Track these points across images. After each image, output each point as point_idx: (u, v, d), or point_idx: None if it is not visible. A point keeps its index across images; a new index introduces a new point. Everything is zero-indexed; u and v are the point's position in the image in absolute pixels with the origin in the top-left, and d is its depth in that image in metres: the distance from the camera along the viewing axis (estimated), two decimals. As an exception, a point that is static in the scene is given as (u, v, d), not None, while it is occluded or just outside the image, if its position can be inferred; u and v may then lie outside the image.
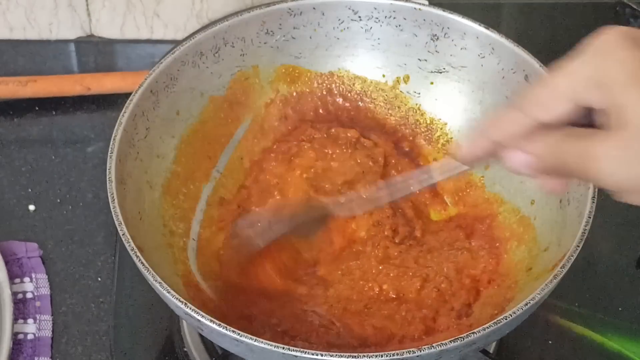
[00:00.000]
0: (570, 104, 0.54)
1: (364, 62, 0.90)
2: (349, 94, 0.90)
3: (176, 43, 0.85)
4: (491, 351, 0.82)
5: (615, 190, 0.53)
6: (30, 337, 0.83)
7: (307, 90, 0.90)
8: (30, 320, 0.84)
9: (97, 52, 1.08)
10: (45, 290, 0.86)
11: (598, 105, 0.53)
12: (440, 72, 0.88)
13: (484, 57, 0.85)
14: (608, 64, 0.52)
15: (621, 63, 0.52)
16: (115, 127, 0.76)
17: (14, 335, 0.82)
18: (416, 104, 0.90)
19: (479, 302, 0.78)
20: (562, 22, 1.12)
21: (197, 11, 1.06)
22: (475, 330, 0.64)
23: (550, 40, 1.11)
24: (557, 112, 0.55)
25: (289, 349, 0.63)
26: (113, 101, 0.99)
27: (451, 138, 0.88)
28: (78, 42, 1.09)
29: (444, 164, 0.74)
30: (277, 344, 0.63)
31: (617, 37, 0.53)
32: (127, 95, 0.79)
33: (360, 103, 0.91)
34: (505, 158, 0.58)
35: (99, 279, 0.88)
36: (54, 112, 1.01)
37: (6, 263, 0.84)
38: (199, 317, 0.65)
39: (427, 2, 0.94)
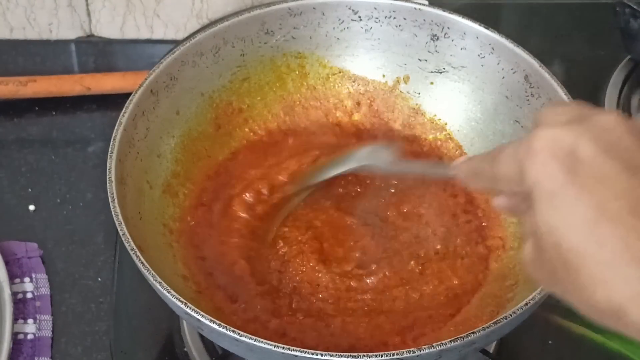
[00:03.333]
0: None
1: (364, 62, 0.90)
2: (349, 94, 0.91)
3: (176, 43, 0.85)
4: (491, 351, 0.82)
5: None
6: (30, 337, 0.83)
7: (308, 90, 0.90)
8: (30, 320, 0.84)
9: (97, 52, 1.08)
10: (45, 290, 0.86)
11: None
12: (440, 72, 0.88)
13: (483, 57, 0.85)
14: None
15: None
16: (115, 127, 0.76)
17: (14, 335, 0.82)
18: (416, 104, 0.90)
19: (479, 301, 0.78)
20: (562, 22, 1.12)
21: (197, 11, 1.06)
22: (475, 330, 0.64)
23: (550, 40, 1.11)
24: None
25: (289, 348, 0.63)
26: (113, 101, 0.99)
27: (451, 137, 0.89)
28: (78, 42, 1.08)
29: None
30: (277, 344, 0.63)
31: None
32: (127, 95, 0.79)
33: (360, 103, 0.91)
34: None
35: (99, 279, 0.88)
36: (54, 112, 1.01)
37: (6, 263, 0.84)
38: (199, 317, 0.65)
39: (427, 2, 0.94)
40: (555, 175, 0.48)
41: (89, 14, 1.06)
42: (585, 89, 1.03)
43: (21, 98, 1.00)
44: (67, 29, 1.08)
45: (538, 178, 0.48)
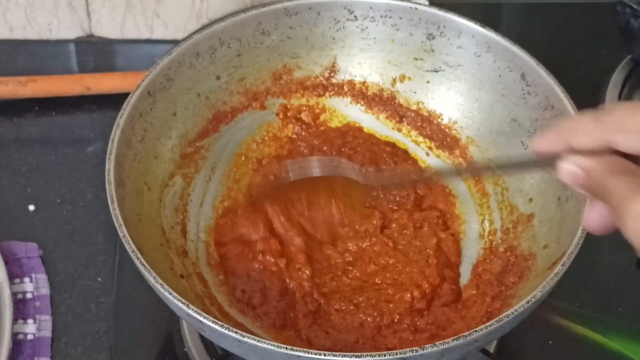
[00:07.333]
0: None
1: (360, 62, 0.90)
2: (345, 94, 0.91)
3: (176, 43, 0.85)
4: (492, 351, 0.82)
5: (637, 248, 0.52)
6: (30, 337, 0.83)
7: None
8: (30, 321, 0.84)
9: (97, 52, 1.08)
10: (45, 291, 0.86)
11: None
12: (437, 71, 0.88)
13: (480, 55, 0.85)
14: None
15: None
16: (113, 129, 0.76)
17: (14, 335, 0.82)
18: (413, 103, 0.90)
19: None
20: (562, 22, 1.12)
21: (197, 11, 1.07)
22: (477, 329, 0.65)
23: (550, 40, 1.10)
24: (633, 145, 0.55)
25: (292, 349, 0.63)
26: (113, 101, 0.99)
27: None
28: (78, 42, 1.09)
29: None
30: (279, 344, 0.63)
31: None
32: (127, 95, 0.79)
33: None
34: (561, 164, 0.58)
35: (99, 279, 0.88)
36: (54, 112, 1.01)
37: (6, 263, 0.84)
38: (201, 319, 0.65)
39: (427, 2, 0.94)
40: None
41: (88, 14, 1.07)
42: (585, 89, 1.03)
43: (21, 98, 1.00)
44: (66, 29, 1.08)
45: None
